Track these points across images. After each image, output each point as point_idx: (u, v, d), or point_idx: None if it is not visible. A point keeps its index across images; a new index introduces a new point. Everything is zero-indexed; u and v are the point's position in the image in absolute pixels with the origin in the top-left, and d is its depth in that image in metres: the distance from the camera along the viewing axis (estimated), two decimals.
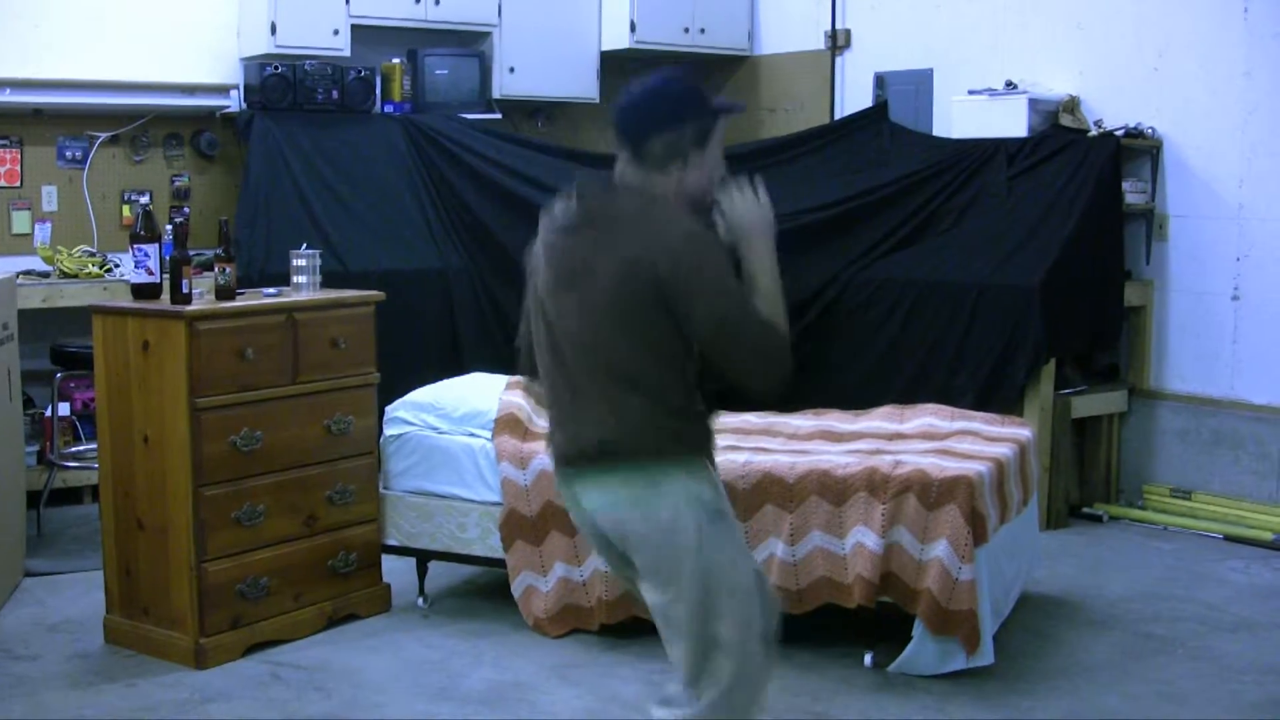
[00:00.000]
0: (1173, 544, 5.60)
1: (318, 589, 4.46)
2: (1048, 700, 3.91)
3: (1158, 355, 6.17)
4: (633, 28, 7.25)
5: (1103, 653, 4.30)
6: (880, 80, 7.14)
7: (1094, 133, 6.14)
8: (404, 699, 3.94)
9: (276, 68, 6.36)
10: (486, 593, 4.82)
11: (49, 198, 6.30)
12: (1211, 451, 5.93)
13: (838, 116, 7.28)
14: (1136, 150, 6.10)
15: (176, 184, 6.60)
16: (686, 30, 7.42)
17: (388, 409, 4.75)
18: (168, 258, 4.26)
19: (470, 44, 7.18)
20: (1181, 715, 3.85)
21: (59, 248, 6.08)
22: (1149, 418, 6.14)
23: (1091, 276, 5.87)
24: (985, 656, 3.99)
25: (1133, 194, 6.02)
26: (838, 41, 7.38)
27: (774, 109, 7.59)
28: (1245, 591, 4.97)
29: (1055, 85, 6.38)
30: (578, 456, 2.72)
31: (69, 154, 6.33)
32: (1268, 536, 5.54)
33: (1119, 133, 6.03)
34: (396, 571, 4.77)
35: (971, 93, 6.47)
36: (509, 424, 4.54)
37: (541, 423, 4.13)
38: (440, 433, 4.66)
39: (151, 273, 4.29)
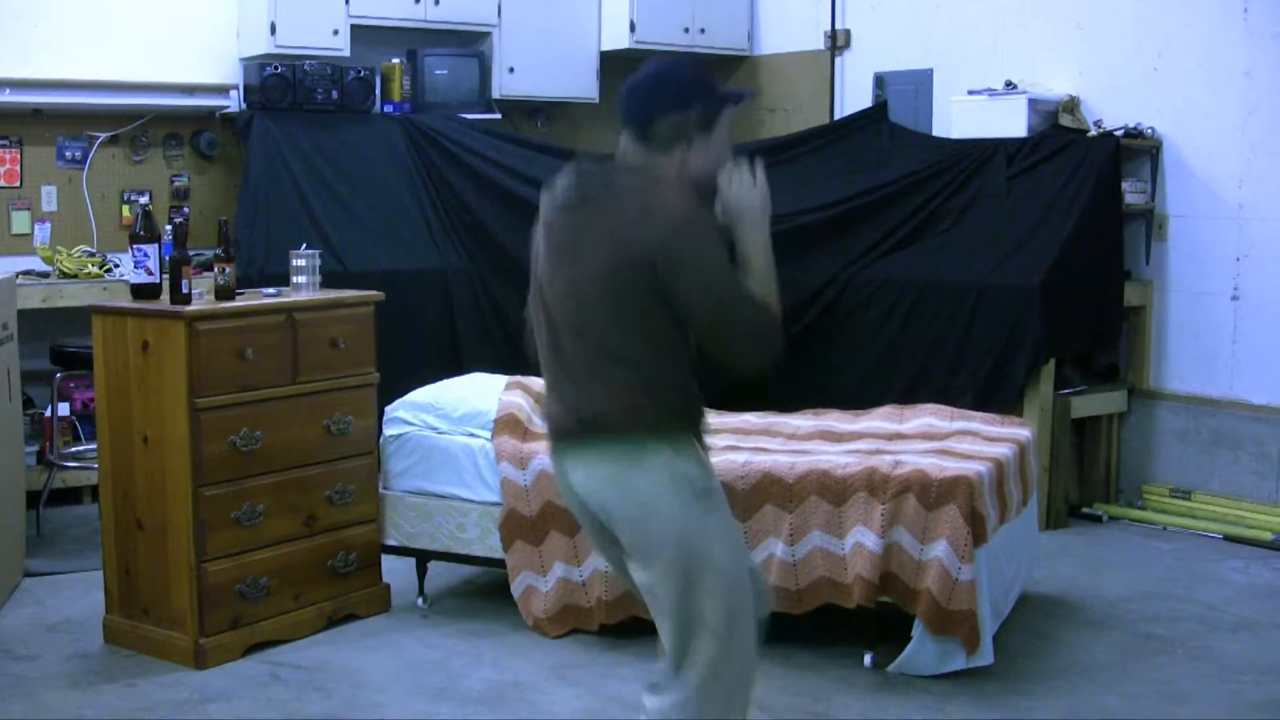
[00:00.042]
0: (1172, 544, 5.60)
1: (317, 589, 4.46)
2: (1047, 700, 3.91)
3: (1157, 355, 6.17)
4: (632, 28, 7.25)
5: (1102, 653, 4.30)
6: (880, 80, 7.14)
7: (1093, 133, 6.14)
8: (404, 699, 3.94)
9: (276, 68, 6.36)
10: (486, 593, 4.82)
11: (48, 198, 6.30)
12: (1211, 451, 5.94)
13: (837, 116, 7.29)
14: (1136, 150, 6.10)
15: (176, 184, 6.60)
16: (686, 30, 7.43)
17: (387, 409, 4.75)
18: (167, 258, 4.26)
19: (470, 44, 7.18)
20: (1181, 715, 3.85)
21: (58, 248, 6.08)
22: (1148, 418, 6.14)
23: (1091, 277, 5.87)
24: (985, 656, 3.99)
25: (1132, 194, 6.02)
26: (837, 41, 7.38)
27: (774, 109, 7.59)
28: (1245, 591, 4.97)
29: (1055, 85, 6.38)
30: (566, 432, 2.74)
31: (69, 154, 6.33)
32: (1267, 536, 5.54)
33: (1118, 133, 6.03)
34: (396, 571, 4.77)
35: (971, 93, 6.47)
36: (508, 424, 4.54)
37: (541, 423, 4.13)
38: (440, 433, 4.66)
39: (151, 273, 4.29)
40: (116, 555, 4.32)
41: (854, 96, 7.29)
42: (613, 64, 7.36)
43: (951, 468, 4.06)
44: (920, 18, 7.00)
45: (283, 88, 6.36)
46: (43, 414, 5.85)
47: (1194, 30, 5.96)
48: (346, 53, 6.58)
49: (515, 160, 6.68)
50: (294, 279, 4.54)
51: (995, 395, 5.63)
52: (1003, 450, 4.35)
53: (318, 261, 4.58)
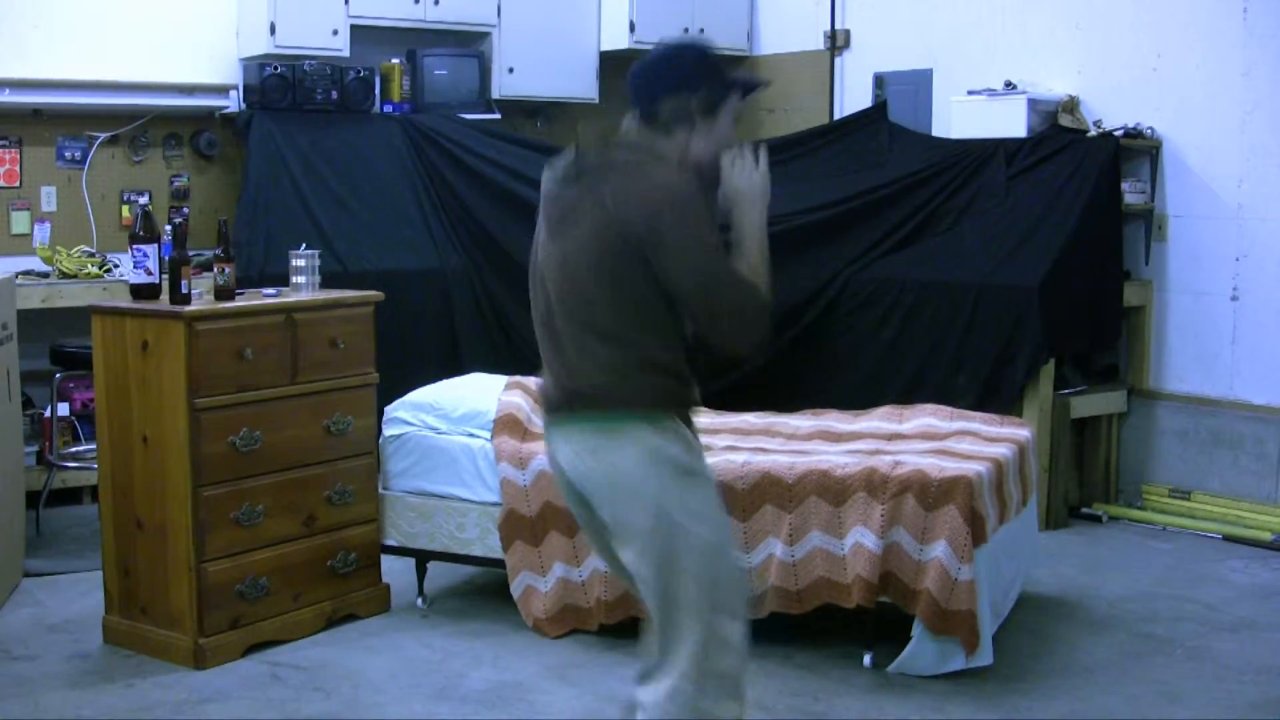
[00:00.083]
0: (1172, 544, 5.60)
1: (317, 589, 4.46)
2: (1047, 700, 3.91)
3: (1157, 355, 6.17)
4: (632, 28, 7.25)
5: (1102, 653, 4.30)
6: (879, 80, 7.14)
7: (1093, 133, 6.14)
8: (403, 699, 3.94)
9: (276, 68, 6.36)
10: (486, 593, 4.82)
11: (48, 198, 6.29)
12: (1210, 452, 5.93)
13: (837, 117, 7.29)
14: (1135, 150, 6.10)
15: (176, 184, 6.60)
16: (686, 30, 7.41)
17: (387, 409, 4.75)
18: (167, 258, 4.26)
19: (469, 44, 7.18)
20: (1180, 715, 3.85)
21: (58, 248, 6.08)
22: (1148, 418, 6.14)
23: (1091, 277, 5.88)
24: (984, 657, 3.99)
25: (1132, 194, 6.02)
26: (837, 42, 7.38)
27: (773, 109, 7.59)
28: (1244, 591, 4.97)
29: (1054, 85, 6.38)
30: (553, 406, 2.75)
31: (68, 154, 6.33)
32: (1266, 536, 5.54)
33: (1118, 133, 6.03)
34: (396, 572, 4.77)
35: (971, 93, 6.47)
36: (508, 424, 4.54)
37: (541, 423, 4.12)
38: (439, 433, 4.66)
39: (150, 273, 4.29)
40: (116, 555, 4.32)
41: (854, 97, 7.29)
42: (612, 64, 7.35)
43: (951, 468, 4.06)
44: (920, 18, 7.00)
45: (282, 88, 6.36)
46: (42, 414, 5.85)
47: (1193, 30, 5.96)
48: (346, 53, 6.58)
49: (515, 160, 6.68)
50: (293, 279, 4.54)
51: (995, 395, 5.63)
52: (1002, 450, 4.35)
53: (317, 262, 4.58)
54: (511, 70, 7.13)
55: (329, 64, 6.52)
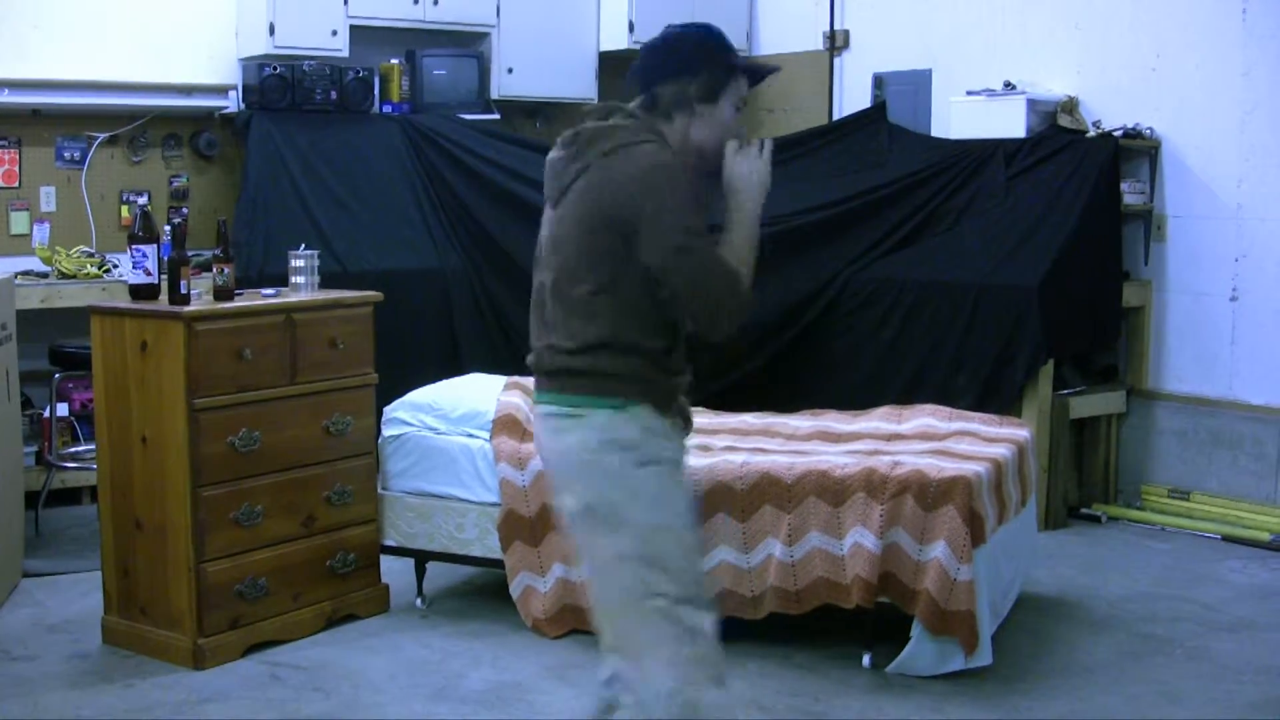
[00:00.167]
0: (1171, 544, 5.60)
1: (316, 589, 4.46)
2: (1046, 700, 3.92)
3: (1156, 356, 6.17)
4: (631, 28, 7.25)
5: (1101, 653, 4.30)
6: (879, 81, 7.14)
7: (1092, 133, 6.14)
8: (402, 699, 3.94)
9: (275, 68, 6.36)
10: (485, 593, 4.82)
11: (47, 198, 6.29)
12: (1209, 452, 5.94)
13: (836, 117, 7.29)
14: (1135, 151, 6.10)
15: (175, 184, 6.60)
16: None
17: (386, 409, 4.75)
18: (166, 258, 4.26)
19: (469, 44, 7.18)
20: (1179, 715, 3.85)
21: (57, 248, 6.08)
22: (1147, 418, 6.14)
23: (1090, 277, 5.88)
24: (984, 657, 3.99)
25: (1131, 194, 6.02)
26: (836, 42, 7.38)
27: (772, 109, 7.59)
28: (1243, 592, 4.97)
29: (1053, 86, 6.39)
30: (536, 383, 2.73)
31: (67, 154, 6.33)
32: (1265, 537, 5.54)
33: (1117, 133, 6.03)
34: (395, 572, 4.77)
35: (970, 93, 6.47)
36: (507, 424, 4.54)
37: None
38: (438, 433, 4.66)
39: (150, 273, 4.29)
40: (115, 556, 4.32)
41: (853, 97, 7.29)
42: (612, 64, 7.36)
43: (950, 468, 4.06)
44: (919, 18, 7.00)
45: (282, 88, 6.36)
46: (41, 414, 5.85)
47: (1192, 30, 5.96)
48: (345, 53, 6.58)
49: (514, 161, 6.68)
50: (293, 279, 4.54)
51: (994, 395, 5.63)
52: (1001, 451, 4.35)
53: (316, 262, 4.58)
54: (511, 70, 7.13)
55: (328, 64, 6.52)
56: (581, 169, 2.64)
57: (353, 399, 4.55)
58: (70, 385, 5.92)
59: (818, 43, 7.46)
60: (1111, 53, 6.24)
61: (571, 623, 4.39)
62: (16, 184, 6.22)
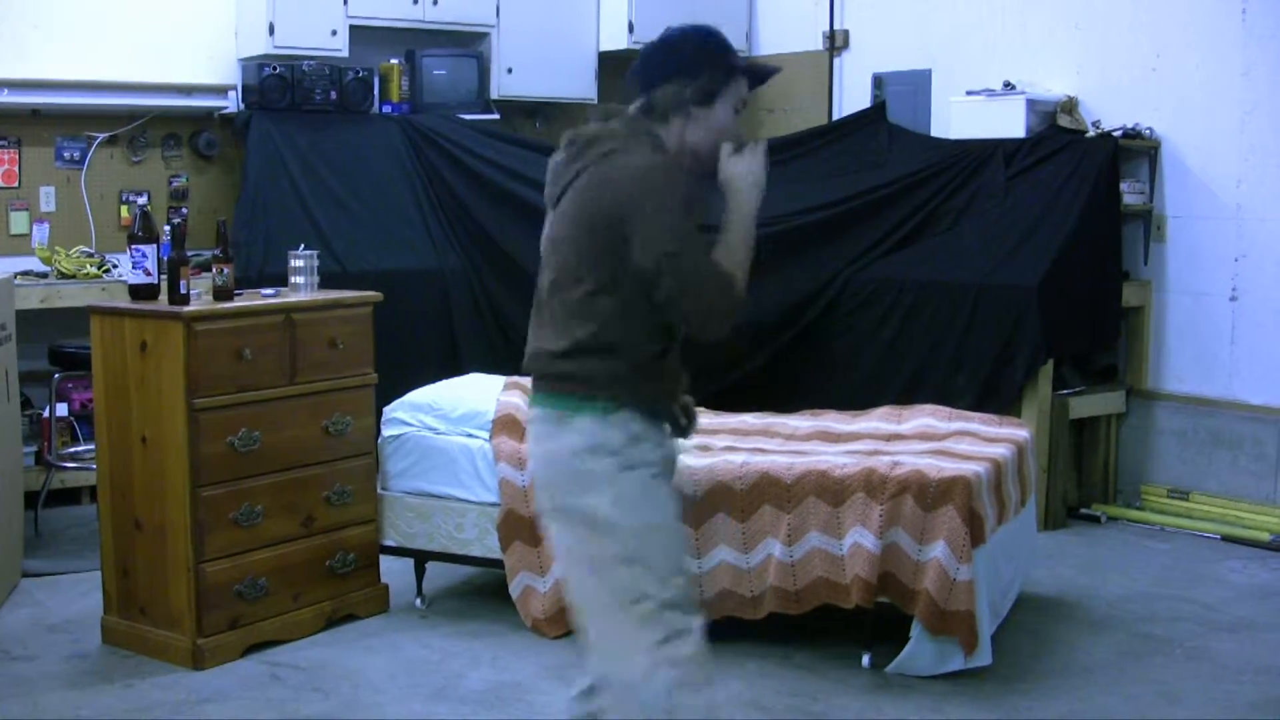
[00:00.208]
0: (1170, 544, 5.60)
1: (316, 589, 4.46)
2: (1046, 700, 3.92)
3: (1156, 356, 6.17)
4: (630, 28, 7.25)
5: (1100, 653, 4.30)
6: (878, 81, 7.14)
7: (1092, 133, 6.14)
8: (402, 699, 3.94)
9: (275, 68, 6.36)
10: (484, 593, 4.82)
11: (47, 198, 6.29)
12: (1209, 452, 5.94)
13: (836, 117, 7.29)
14: (1134, 151, 6.10)
15: (174, 184, 6.60)
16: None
17: (386, 409, 4.75)
18: (165, 258, 4.26)
19: (468, 44, 7.18)
20: (1179, 715, 3.85)
21: (57, 248, 6.08)
22: (1147, 418, 6.14)
23: (1090, 277, 5.88)
24: (983, 657, 3.99)
25: (1131, 194, 6.02)
26: (836, 42, 7.38)
27: (772, 109, 7.59)
28: (1243, 592, 4.97)
29: (1053, 86, 6.39)
30: (531, 382, 2.72)
31: (67, 154, 6.33)
32: (1265, 537, 5.54)
33: (1117, 133, 6.03)
34: (394, 572, 4.77)
35: (969, 93, 6.47)
36: (507, 424, 4.54)
37: None
38: (438, 433, 4.66)
39: (149, 273, 4.29)
40: (115, 556, 4.32)
41: (852, 97, 7.29)
42: (611, 64, 7.36)
43: (949, 468, 4.06)
44: (919, 18, 7.00)
45: (281, 88, 6.36)
46: (41, 414, 5.85)
47: (1192, 30, 5.96)
48: (345, 53, 6.58)
49: (514, 161, 6.68)
50: (292, 279, 4.54)
51: (994, 395, 5.63)
52: (1001, 451, 4.35)
53: (316, 262, 4.58)
54: (510, 70, 7.13)
55: (328, 64, 6.52)
56: (579, 171, 2.64)
57: (352, 399, 4.55)
58: (70, 385, 5.92)
59: (817, 43, 7.46)
60: (1111, 53, 6.24)
61: (571, 623, 4.38)
62: (16, 184, 6.22)
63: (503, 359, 6.19)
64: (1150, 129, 6.08)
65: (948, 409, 4.91)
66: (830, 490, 4.07)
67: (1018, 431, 4.66)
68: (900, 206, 6.26)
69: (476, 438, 4.58)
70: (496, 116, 7.18)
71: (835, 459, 4.23)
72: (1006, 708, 3.86)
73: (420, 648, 4.34)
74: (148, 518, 4.20)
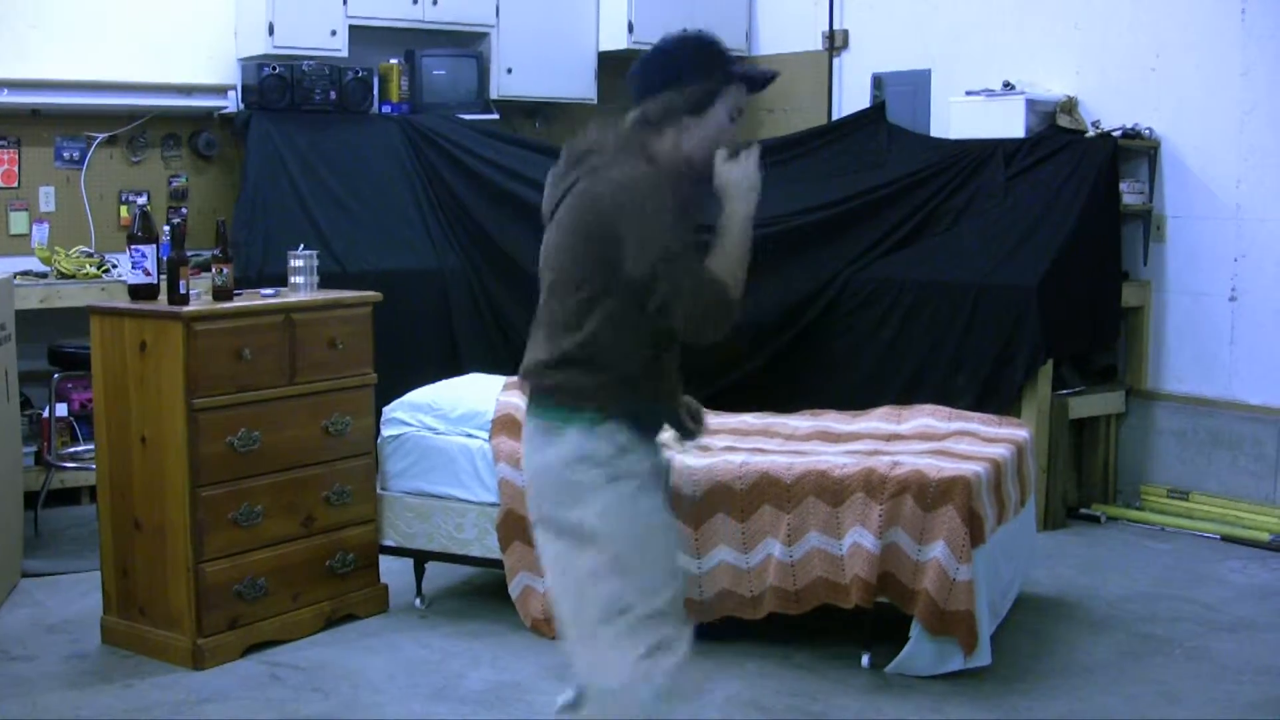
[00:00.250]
0: (1170, 544, 5.60)
1: (316, 589, 4.46)
2: (1045, 700, 3.92)
3: (1155, 356, 6.17)
4: (630, 28, 7.25)
5: (1100, 653, 4.30)
6: (878, 81, 7.14)
7: (1091, 133, 6.14)
8: (402, 699, 3.94)
9: (274, 68, 6.36)
10: (484, 593, 4.82)
11: (46, 198, 6.29)
12: (1209, 452, 5.94)
13: (835, 117, 7.29)
14: (1134, 151, 6.10)
15: (174, 184, 6.60)
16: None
17: (385, 409, 4.75)
18: (165, 258, 4.26)
19: (468, 45, 7.18)
20: (1179, 715, 3.85)
21: (56, 248, 6.08)
22: (1146, 418, 6.14)
23: (1089, 277, 5.88)
24: (983, 657, 3.99)
25: (1130, 195, 6.02)
26: (835, 42, 7.38)
27: (772, 109, 7.59)
28: (1242, 592, 4.97)
29: (1053, 86, 6.39)
30: (528, 383, 2.72)
31: (67, 154, 6.33)
32: (1265, 537, 5.54)
33: (1116, 133, 6.04)
34: (394, 572, 4.77)
35: (969, 93, 6.48)
36: (506, 424, 4.54)
37: None
38: (438, 433, 4.66)
39: (149, 273, 4.29)
40: (114, 556, 4.32)
41: (852, 97, 7.29)
42: (611, 64, 7.36)
43: (949, 468, 4.06)
44: (918, 18, 7.00)
45: (281, 88, 6.36)
46: (41, 415, 5.85)
47: (1192, 30, 5.96)
48: (344, 53, 6.58)
49: (513, 161, 6.68)
50: (292, 279, 4.54)
51: (993, 395, 5.63)
52: (1000, 451, 4.35)
53: (315, 262, 4.58)
54: (510, 71, 7.13)
55: (327, 64, 6.52)
56: (573, 182, 2.65)
57: (352, 399, 4.55)
58: (69, 385, 5.92)
59: (817, 43, 7.46)
60: (1111, 53, 6.24)
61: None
62: (16, 184, 6.22)
63: (502, 359, 6.19)
64: (1150, 129, 6.08)
65: (947, 409, 4.91)
66: (830, 490, 4.07)
67: (1017, 431, 4.66)
68: (900, 206, 6.26)
69: (476, 438, 4.58)
70: (496, 116, 7.18)
71: (835, 459, 4.23)
72: (1006, 708, 3.86)
73: (420, 648, 4.34)
74: (147, 518, 4.20)
